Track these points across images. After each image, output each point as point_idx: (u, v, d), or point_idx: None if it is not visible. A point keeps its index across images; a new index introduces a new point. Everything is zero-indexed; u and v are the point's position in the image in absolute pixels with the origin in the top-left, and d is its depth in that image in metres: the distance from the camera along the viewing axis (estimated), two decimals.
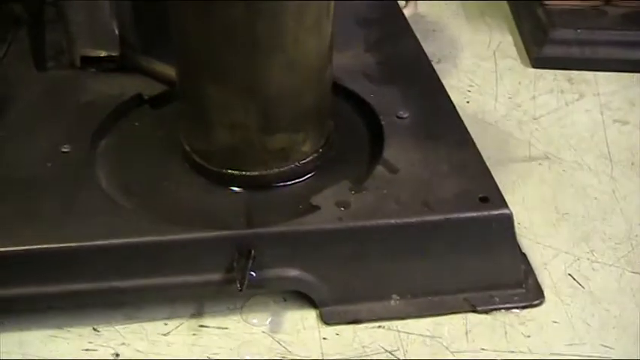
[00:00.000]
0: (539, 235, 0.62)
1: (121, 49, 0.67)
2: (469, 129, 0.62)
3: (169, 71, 0.64)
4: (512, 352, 0.52)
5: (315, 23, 0.52)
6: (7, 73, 0.70)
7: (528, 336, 0.53)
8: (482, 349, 0.52)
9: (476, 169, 0.58)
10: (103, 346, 0.52)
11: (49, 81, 0.68)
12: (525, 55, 0.86)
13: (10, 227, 0.52)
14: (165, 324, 0.54)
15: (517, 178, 0.68)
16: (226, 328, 0.53)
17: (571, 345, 0.53)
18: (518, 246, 0.58)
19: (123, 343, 0.52)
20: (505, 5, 0.97)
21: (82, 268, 0.52)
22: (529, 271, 0.58)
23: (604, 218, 0.64)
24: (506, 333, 0.53)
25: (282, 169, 0.57)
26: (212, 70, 0.53)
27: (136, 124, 0.65)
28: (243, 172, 0.57)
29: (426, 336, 0.53)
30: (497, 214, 0.54)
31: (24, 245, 0.51)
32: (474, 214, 0.54)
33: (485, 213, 0.54)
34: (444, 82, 0.69)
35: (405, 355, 0.52)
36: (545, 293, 0.56)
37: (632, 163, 0.70)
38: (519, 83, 0.82)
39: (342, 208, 0.54)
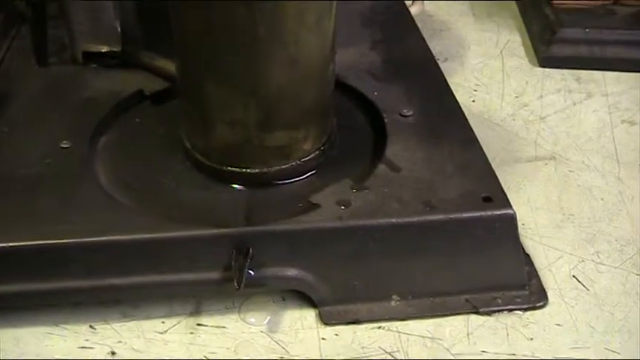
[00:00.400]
0: (543, 236, 0.61)
1: (122, 44, 0.67)
2: (475, 128, 0.62)
3: (171, 67, 0.63)
4: (515, 354, 0.51)
5: (317, 22, 0.52)
6: (9, 68, 0.70)
7: (531, 339, 0.53)
8: (484, 351, 0.52)
9: (479, 169, 0.57)
10: (99, 343, 0.52)
11: (51, 77, 0.68)
12: (533, 55, 0.86)
13: (7, 223, 0.52)
14: (163, 322, 0.53)
15: (522, 179, 0.67)
16: (224, 327, 0.53)
17: (575, 348, 0.52)
18: (522, 247, 0.57)
19: (119, 341, 0.52)
20: (513, 4, 0.96)
21: (79, 264, 0.51)
22: (533, 272, 0.57)
23: (610, 220, 0.63)
24: (508, 335, 0.53)
25: (282, 167, 0.57)
26: (212, 68, 0.53)
27: (137, 120, 0.64)
28: (244, 170, 0.56)
29: (427, 337, 0.53)
30: (500, 214, 0.54)
31: (20, 241, 0.51)
32: (477, 214, 0.53)
33: (488, 213, 0.54)
34: (451, 80, 0.69)
35: (404, 356, 0.51)
36: (549, 295, 0.55)
37: None
38: (526, 83, 0.81)
39: (343, 207, 0.53)
